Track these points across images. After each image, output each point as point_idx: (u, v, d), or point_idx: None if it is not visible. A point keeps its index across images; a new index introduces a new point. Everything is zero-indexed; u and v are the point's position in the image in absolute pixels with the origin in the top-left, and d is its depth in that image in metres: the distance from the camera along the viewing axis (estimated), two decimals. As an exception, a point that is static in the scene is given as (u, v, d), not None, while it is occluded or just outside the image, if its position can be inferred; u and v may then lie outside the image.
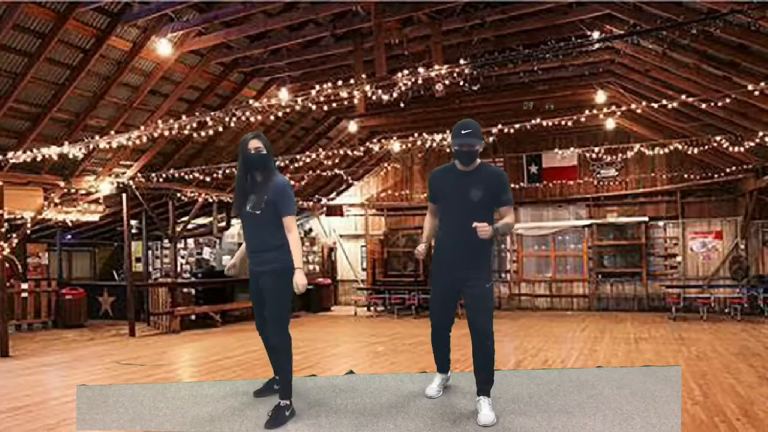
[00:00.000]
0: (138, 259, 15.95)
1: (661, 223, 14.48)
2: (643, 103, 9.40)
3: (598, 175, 15.05)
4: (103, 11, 8.08)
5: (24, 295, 12.42)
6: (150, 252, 16.46)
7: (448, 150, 11.48)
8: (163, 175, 11.67)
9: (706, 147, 11.27)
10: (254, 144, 4.29)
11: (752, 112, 9.58)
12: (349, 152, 12.06)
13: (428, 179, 4.69)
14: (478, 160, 4.49)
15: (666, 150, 12.03)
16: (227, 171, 11.59)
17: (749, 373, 6.20)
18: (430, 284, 4.74)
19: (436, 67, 7.72)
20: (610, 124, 12.19)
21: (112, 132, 9.14)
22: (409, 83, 7.70)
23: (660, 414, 4.32)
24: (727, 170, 12.77)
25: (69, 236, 15.63)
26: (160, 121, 8.50)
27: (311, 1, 8.40)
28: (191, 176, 12.07)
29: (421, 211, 16.68)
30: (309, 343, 9.37)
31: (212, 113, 8.63)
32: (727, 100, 8.69)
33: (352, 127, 13.88)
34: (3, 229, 9.06)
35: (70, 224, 12.88)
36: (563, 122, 9.95)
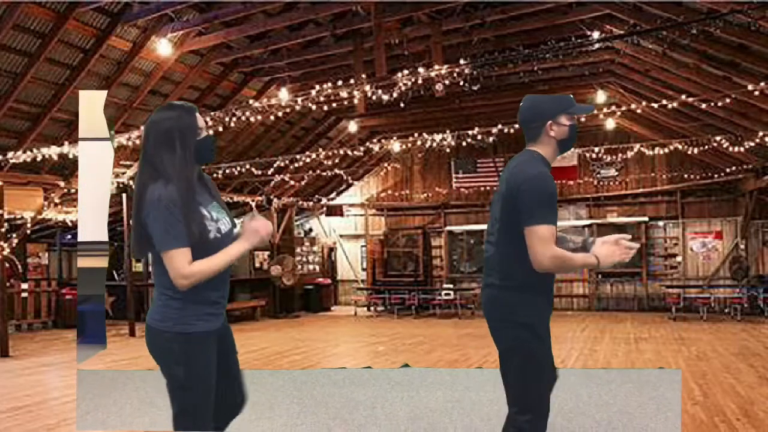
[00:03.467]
0: (138, 259, 15.93)
1: (661, 223, 14.48)
2: (643, 103, 9.41)
3: (598, 175, 15.04)
4: (103, 11, 8.08)
5: (24, 295, 12.41)
6: (150, 252, 16.44)
7: (448, 150, 11.46)
8: (163, 175, 11.66)
9: (706, 147, 11.27)
10: (202, 122, 2.56)
11: (752, 112, 9.58)
12: (349, 152, 12.07)
13: (550, 187, 2.72)
14: None
15: (666, 150, 12.02)
16: (227, 171, 11.59)
17: (749, 373, 6.20)
18: (532, 355, 2.68)
19: (436, 67, 7.73)
20: (610, 124, 12.19)
21: (112, 132, 9.14)
22: (409, 83, 7.71)
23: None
24: (727, 170, 12.77)
25: (69, 236, 15.61)
26: (160, 121, 8.49)
27: (311, 1, 8.40)
28: (191, 176, 12.06)
29: (422, 210, 16.69)
30: (309, 343, 9.37)
31: (212, 113, 8.63)
32: (727, 100, 8.69)
33: (352, 127, 13.87)
34: (3, 229, 9.06)
35: (70, 224, 12.88)
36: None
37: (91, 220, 4.17)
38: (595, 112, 10.10)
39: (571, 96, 2.93)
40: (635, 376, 5.80)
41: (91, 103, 4.34)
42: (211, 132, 2.39)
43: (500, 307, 2.77)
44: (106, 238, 4.13)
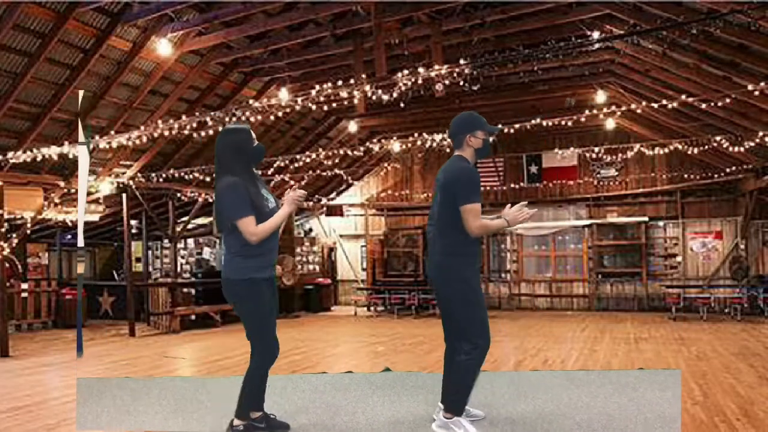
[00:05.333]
0: (138, 259, 15.94)
1: (661, 223, 14.48)
2: (643, 103, 9.40)
3: (598, 175, 15.05)
4: (103, 11, 8.08)
5: (24, 295, 12.41)
6: (150, 252, 16.46)
7: (448, 150, 11.45)
8: (163, 175, 11.67)
9: (706, 147, 11.27)
10: (253, 134, 3.95)
11: (752, 112, 9.58)
12: (349, 152, 12.07)
13: (474, 177, 3.95)
14: None
15: (666, 150, 12.03)
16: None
17: (749, 373, 6.20)
18: (464, 294, 3.93)
19: (436, 67, 7.72)
20: (610, 124, 12.19)
21: (112, 132, 9.14)
22: (409, 83, 7.70)
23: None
24: (727, 170, 12.77)
25: (69, 236, 15.62)
26: (160, 121, 8.51)
27: (311, 1, 8.40)
28: (191, 176, 12.07)
29: (422, 210, 16.69)
30: (309, 343, 9.37)
31: (212, 113, 8.63)
32: (727, 100, 8.68)
33: (352, 127, 13.88)
34: (3, 229, 9.06)
35: (70, 224, 12.88)
36: (563, 122, 9.95)
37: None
38: (595, 112, 10.10)
39: (477, 116, 4.05)
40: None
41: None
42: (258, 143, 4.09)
43: (445, 269, 3.90)
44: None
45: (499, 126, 4.31)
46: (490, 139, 4.11)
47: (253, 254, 3.75)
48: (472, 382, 3.95)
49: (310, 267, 16.80)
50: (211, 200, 13.34)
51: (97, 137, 8.93)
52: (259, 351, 3.83)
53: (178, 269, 14.53)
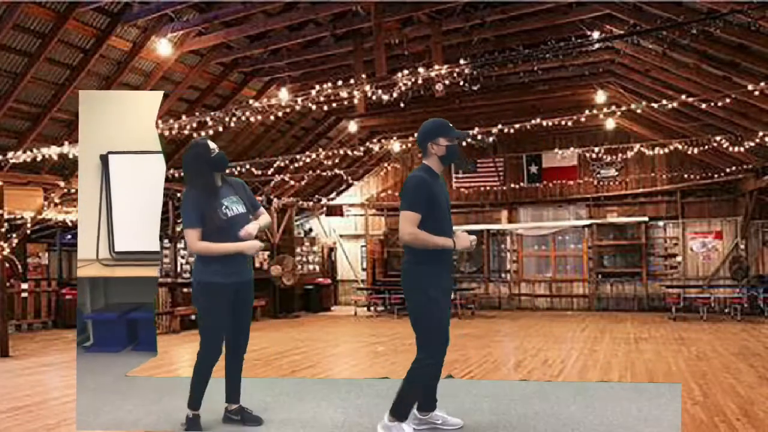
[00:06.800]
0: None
1: (661, 223, 14.48)
2: (643, 103, 9.40)
3: (598, 175, 15.05)
4: (103, 11, 8.08)
5: (24, 295, 12.41)
6: (150, 252, 16.42)
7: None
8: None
9: (706, 147, 11.27)
10: (213, 145, 4.08)
11: (752, 112, 9.59)
12: (349, 152, 12.07)
13: (419, 185, 3.80)
14: None
15: (666, 150, 12.03)
16: (227, 171, 11.59)
17: (749, 373, 6.20)
18: (425, 307, 3.92)
19: (436, 67, 7.73)
20: (610, 124, 12.20)
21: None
22: (409, 83, 7.71)
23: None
24: (727, 170, 12.78)
25: (69, 236, 15.61)
26: (160, 121, 8.50)
27: (311, 1, 8.40)
28: (191, 176, 12.06)
29: (421, 211, 16.68)
30: (309, 343, 9.37)
31: (212, 113, 8.63)
32: (727, 100, 8.69)
33: (352, 127, 13.88)
34: (3, 229, 9.05)
35: (70, 224, 12.87)
36: (563, 122, 9.95)
37: (94, 224, 4.19)
38: (595, 112, 10.10)
39: (445, 122, 3.94)
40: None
41: (91, 103, 4.33)
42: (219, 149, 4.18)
43: (406, 277, 3.99)
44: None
45: (467, 131, 4.11)
46: (468, 142, 4.06)
47: (213, 259, 3.95)
48: (414, 392, 3.85)
49: (310, 267, 16.80)
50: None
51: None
52: (203, 350, 4.05)
53: (178, 269, 14.52)
